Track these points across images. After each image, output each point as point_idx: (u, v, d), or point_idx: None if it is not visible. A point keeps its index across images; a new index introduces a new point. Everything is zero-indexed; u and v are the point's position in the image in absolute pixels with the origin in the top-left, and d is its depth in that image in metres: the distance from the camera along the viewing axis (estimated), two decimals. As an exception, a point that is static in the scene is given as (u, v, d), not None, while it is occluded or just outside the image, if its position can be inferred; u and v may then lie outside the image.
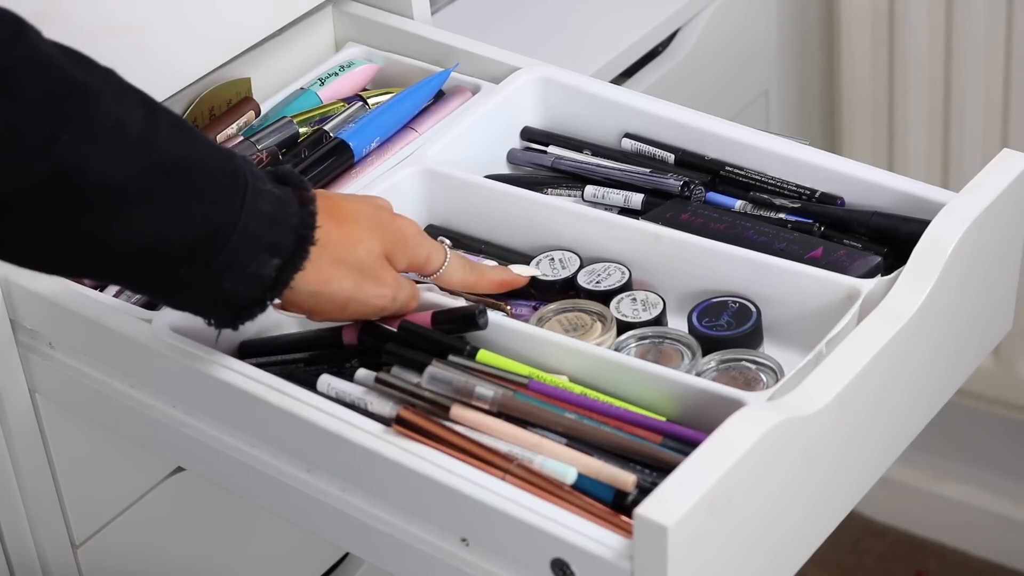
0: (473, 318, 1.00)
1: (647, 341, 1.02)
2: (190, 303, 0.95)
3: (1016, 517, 2.04)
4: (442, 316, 1.01)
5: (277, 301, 0.96)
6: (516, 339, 1.00)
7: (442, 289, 1.05)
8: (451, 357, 0.98)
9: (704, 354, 1.01)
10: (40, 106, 0.85)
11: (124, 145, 0.88)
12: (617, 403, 0.96)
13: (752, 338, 1.02)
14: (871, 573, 2.09)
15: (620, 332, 1.03)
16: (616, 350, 1.01)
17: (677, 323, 1.05)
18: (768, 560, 0.94)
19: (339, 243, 0.96)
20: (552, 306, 1.05)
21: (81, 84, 0.87)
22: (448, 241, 1.05)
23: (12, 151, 0.85)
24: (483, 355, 0.98)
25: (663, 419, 0.95)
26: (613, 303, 1.06)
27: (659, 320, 1.04)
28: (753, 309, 1.03)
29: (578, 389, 0.97)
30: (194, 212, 0.90)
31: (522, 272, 1.07)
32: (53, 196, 0.86)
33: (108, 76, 0.90)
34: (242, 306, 0.94)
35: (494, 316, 1.01)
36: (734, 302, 1.04)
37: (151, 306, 1.07)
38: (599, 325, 1.03)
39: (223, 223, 0.90)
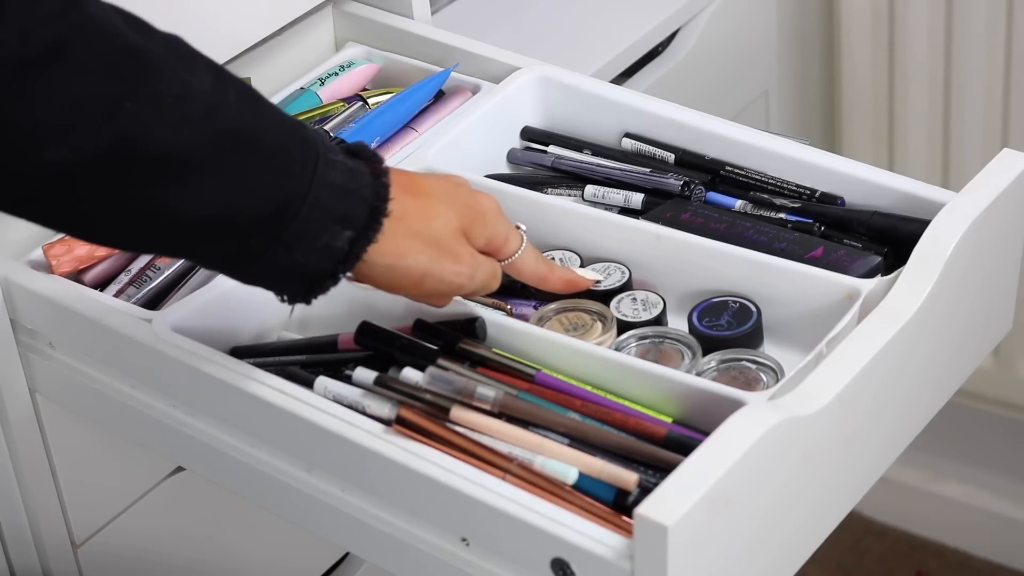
0: (472, 327, 1.00)
1: (647, 341, 1.02)
2: (261, 277, 0.92)
3: (1016, 517, 2.04)
4: (444, 326, 1.01)
5: (350, 275, 0.93)
6: (517, 339, 1.00)
7: (511, 277, 1.02)
8: (461, 344, 0.98)
9: (704, 354, 1.01)
10: (100, 75, 0.83)
11: (190, 112, 0.86)
12: (621, 401, 0.96)
13: (752, 338, 1.02)
14: (871, 573, 2.09)
15: (620, 332, 1.03)
16: (616, 350, 1.01)
17: (677, 323, 1.05)
18: (768, 560, 0.94)
19: (414, 216, 0.93)
20: (552, 305, 1.05)
21: (141, 50, 0.85)
22: (524, 227, 1.02)
23: (73, 122, 0.83)
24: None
25: (668, 420, 0.95)
26: (613, 303, 1.06)
27: (659, 320, 1.04)
28: (753, 309, 1.03)
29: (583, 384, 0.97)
30: (263, 182, 0.88)
31: (588, 275, 1.06)
32: (117, 166, 0.84)
33: (173, 42, 0.88)
34: (314, 279, 0.91)
35: (494, 316, 1.01)
36: (734, 302, 1.04)
37: (151, 306, 1.07)
38: (599, 325, 1.03)
39: (293, 193, 0.88)
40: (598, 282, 1.06)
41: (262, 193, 0.88)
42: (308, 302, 0.93)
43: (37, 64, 0.81)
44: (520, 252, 1.00)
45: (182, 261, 1.10)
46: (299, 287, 0.92)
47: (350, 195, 0.90)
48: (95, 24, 0.84)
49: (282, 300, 0.93)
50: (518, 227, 1.01)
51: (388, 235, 0.92)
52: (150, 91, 0.84)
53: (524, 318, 1.05)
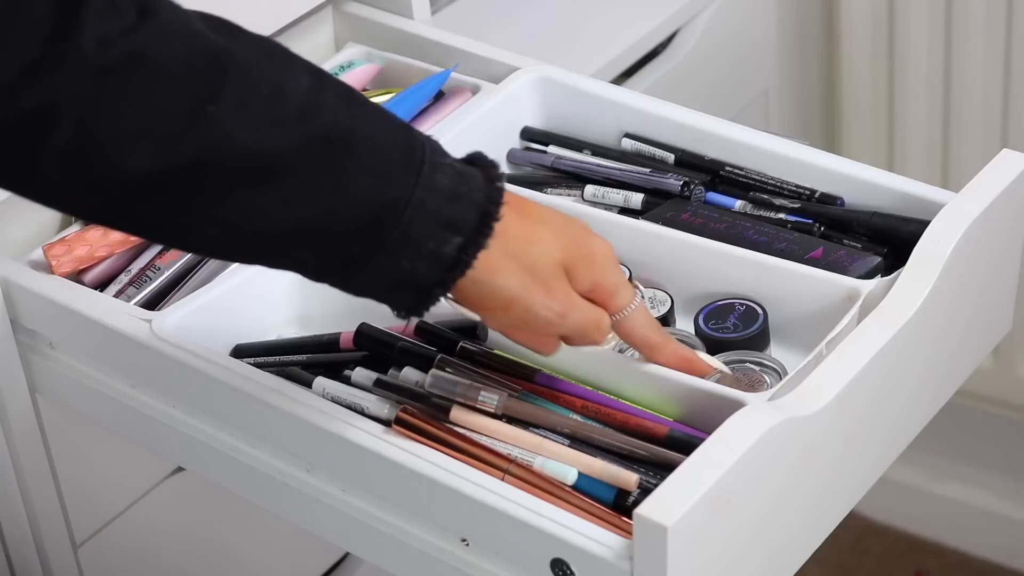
0: (473, 329, 1.00)
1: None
2: (368, 286, 0.88)
3: (1016, 517, 2.04)
4: (444, 327, 1.01)
5: (451, 295, 0.89)
6: (516, 339, 1.00)
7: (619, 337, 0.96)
8: (463, 345, 0.98)
9: (711, 356, 1.00)
10: (179, 79, 0.81)
11: (281, 113, 0.83)
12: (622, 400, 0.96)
13: (759, 340, 1.02)
14: (871, 573, 2.09)
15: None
16: (620, 351, 1.01)
17: (681, 324, 1.05)
18: (768, 560, 0.94)
19: (516, 237, 0.88)
20: None
21: (223, 51, 0.82)
22: (641, 287, 0.96)
23: (153, 128, 0.81)
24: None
25: (670, 419, 0.95)
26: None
27: (667, 317, 1.04)
28: (760, 311, 1.03)
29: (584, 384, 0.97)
30: (362, 185, 0.84)
31: (711, 363, 0.97)
32: (201, 172, 0.82)
33: (264, 43, 0.85)
34: (423, 288, 0.87)
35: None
36: (741, 304, 1.04)
37: (151, 306, 1.07)
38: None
39: (395, 198, 0.84)
40: (720, 372, 0.98)
41: (361, 197, 0.84)
42: (420, 314, 0.89)
43: (115, 72, 0.80)
44: (631, 310, 0.93)
45: (182, 261, 1.10)
46: (408, 297, 0.88)
47: (459, 199, 0.86)
48: (173, 29, 0.82)
49: (397, 315, 0.90)
50: (635, 284, 0.95)
51: (485, 249, 0.87)
52: (234, 93, 0.82)
53: None
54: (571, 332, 0.91)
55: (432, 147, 0.87)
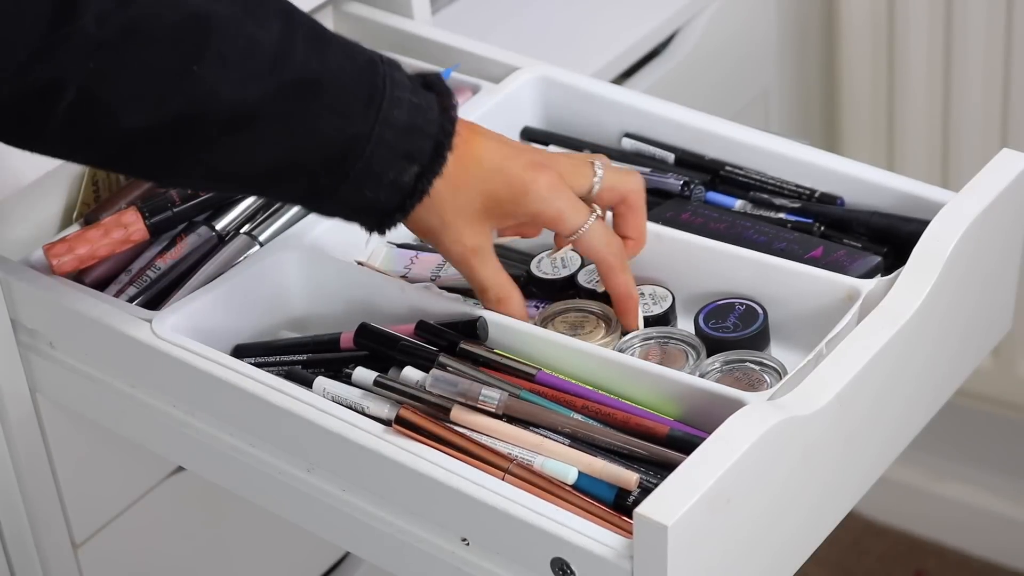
0: (473, 328, 1.00)
1: (652, 341, 1.02)
2: (336, 211, 0.97)
3: (1016, 517, 2.04)
4: (445, 327, 1.01)
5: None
6: (519, 339, 1.00)
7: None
8: (463, 344, 0.98)
9: (710, 355, 1.01)
10: (168, 45, 0.89)
11: (256, 66, 0.91)
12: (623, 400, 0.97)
13: (759, 340, 1.02)
14: (871, 573, 2.09)
15: (626, 332, 1.03)
16: (620, 350, 1.01)
17: (681, 323, 1.05)
18: (768, 559, 0.94)
19: (451, 176, 0.97)
20: (556, 307, 1.05)
21: (206, 13, 0.90)
22: (599, 209, 1.01)
23: (146, 91, 0.89)
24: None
25: (670, 419, 0.95)
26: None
27: (668, 314, 1.04)
28: (760, 311, 1.03)
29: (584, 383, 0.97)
30: (327, 126, 0.93)
31: (639, 326, 1.03)
32: (189, 126, 0.91)
33: None
34: (385, 213, 0.96)
35: (495, 317, 1.01)
36: (741, 304, 1.04)
37: (151, 306, 1.07)
38: (603, 327, 1.03)
39: (357, 134, 0.93)
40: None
41: (327, 136, 0.93)
42: (383, 233, 0.98)
43: (112, 45, 0.88)
44: (584, 229, 1.00)
45: (182, 261, 1.10)
46: (372, 220, 0.97)
47: (415, 131, 0.94)
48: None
49: (363, 229, 0.98)
50: (591, 207, 1.01)
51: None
52: (215, 52, 0.90)
53: (545, 277, 1.06)
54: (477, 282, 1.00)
55: (393, 80, 0.95)
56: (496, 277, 1.00)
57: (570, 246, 1.02)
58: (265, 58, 0.91)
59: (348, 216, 0.97)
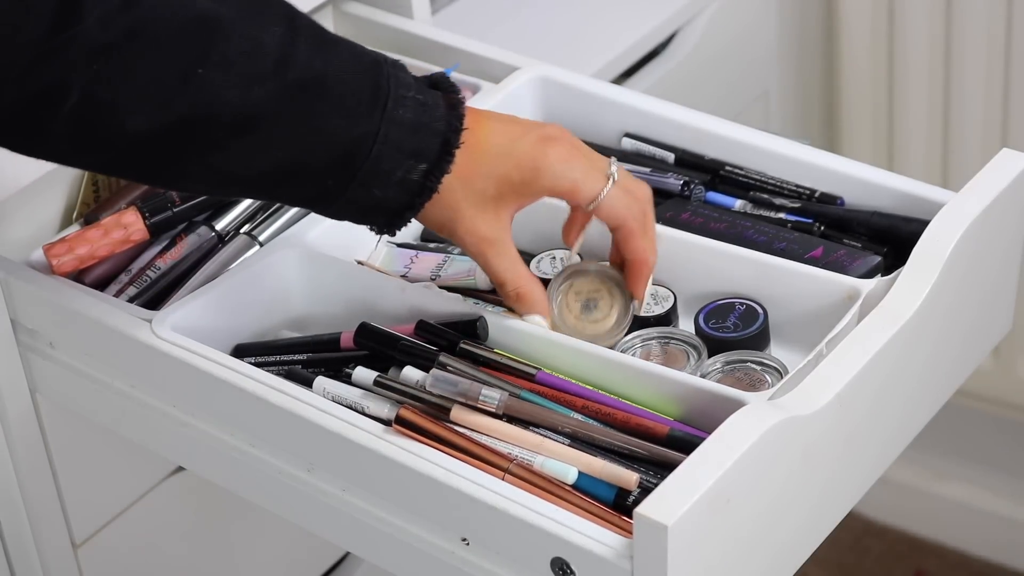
0: (473, 328, 1.00)
1: (653, 342, 1.02)
2: (345, 212, 0.97)
3: (1016, 517, 2.04)
4: (446, 326, 1.01)
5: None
6: (519, 339, 1.00)
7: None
8: (463, 344, 0.98)
9: (711, 355, 1.01)
10: (173, 48, 0.89)
11: (259, 68, 0.91)
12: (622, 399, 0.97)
13: (759, 340, 1.02)
14: (871, 573, 2.09)
15: (632, 328, 1.03)
16: (621, 350, 1.01)
17: (682, 323, 1.05)
18: (768, 559, 0.94)
19: (461, 167, 0.96)
20: (575, 266, 1.03)
21: (211, 16, 0.90)
22: (615, 172, 0.99)
23: (151, 94, 0.89)
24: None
25: (670, 419, 0.95)
26: (622, 299, 1.05)
27: (670, 314, 1.04)
28: (760, 311, 1.03)
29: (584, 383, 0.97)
30: (332, 127, 0.92)
31: (643, 302, 1.03)
32: (194, 127, 0.90)
33: None
34: (394, 212, 0.96)
35: (495, 317, 1.01)
36: (741, 304, 1.04)
37: (151, 306, 1.07)
38: (615, 313, 1.02)
39: (363, 134, 0.93)
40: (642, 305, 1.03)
41: (333, 137, 0.93)
42: (392, 234, 0.98)
43: (116, 48, 0.88)
44: (601, 197, 0.98)
45: (182, 261, 1.10)
46: (382, 220, 0.97)
47: (422, 129, 0.94)
48: (167, 1, 0.89)
49: (372, 230, 0.98)
50: (609, 174, 0.99)
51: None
52: (219, 54, 0.90)
53: (547, 276, 1.05)
54: (491, 271, 0.99)
55: (398, 79, 0.94)
56: (514, 269, 0.99)
57: (591, 219, 1.01)
58: (269, 60, 0.91)
59: (358, 218, 0.97)
